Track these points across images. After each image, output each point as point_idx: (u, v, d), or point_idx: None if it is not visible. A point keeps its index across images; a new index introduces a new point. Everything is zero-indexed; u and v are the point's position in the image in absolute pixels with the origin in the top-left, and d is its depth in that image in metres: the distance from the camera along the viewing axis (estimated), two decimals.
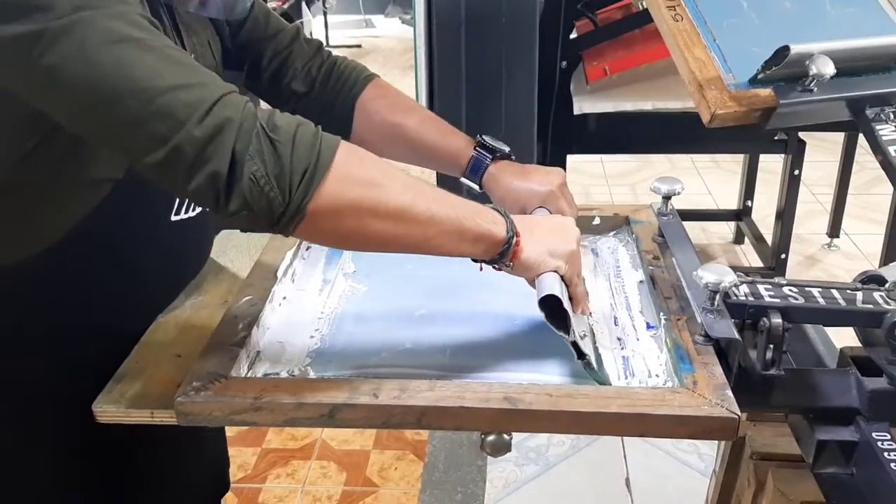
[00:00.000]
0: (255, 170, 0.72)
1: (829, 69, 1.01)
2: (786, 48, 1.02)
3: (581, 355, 0.86)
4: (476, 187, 1.07)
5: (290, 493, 2.13)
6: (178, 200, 0.97)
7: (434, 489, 2.12)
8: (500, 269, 0.89)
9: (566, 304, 0.85)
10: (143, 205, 0.92)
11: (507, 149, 1.07)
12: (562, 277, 0.89)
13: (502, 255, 0.86)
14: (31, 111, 0.77)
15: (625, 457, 2.20)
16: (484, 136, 1.07)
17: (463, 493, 2.10)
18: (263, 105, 1.06)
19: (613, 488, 2.10)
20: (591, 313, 0.99)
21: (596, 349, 0.92)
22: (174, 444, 1.08)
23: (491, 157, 1.06)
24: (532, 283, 0.90)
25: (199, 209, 1.00)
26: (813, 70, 1.01)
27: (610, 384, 0.87)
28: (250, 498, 2.12)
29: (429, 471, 2.18)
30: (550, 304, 0.85)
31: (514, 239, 0.86)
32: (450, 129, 1.09)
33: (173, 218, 0.97)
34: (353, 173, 0.77)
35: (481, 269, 0.90)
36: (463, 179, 1.07)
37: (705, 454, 2.17)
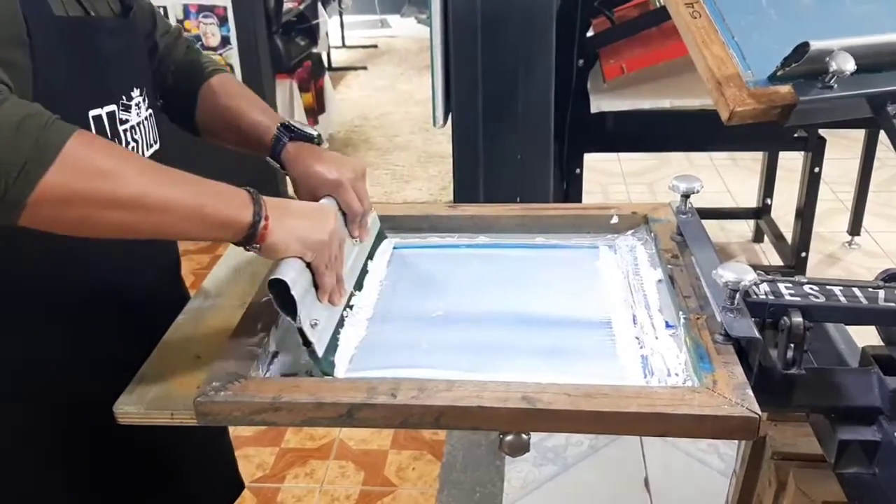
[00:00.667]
0: None
1: (849, 65, 1.00)
2: (805, 44, 1.01)
3: (306, 342, 0.88)
4: (277, 165, 1.08)
5: (308, 492, 2.14)
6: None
7: (452, 489, 2.12)
8: (250, 251, 0.89)
9: (296, 291, 0.87)
10: None
11: (314, 133, 1.09)
12: (308, 265, 0.90)
13: (248, 238, 0.87)
14: None
15: (644, 457, 2.19)
16: (292, 121, 1.09)
17: (481, 493, 2.10)
18: None
19: (632, 488, 2.09)
20: (350, 306, 1.01)
21: (335, 339, 0.95)
22: (184, 448, 1.10)
23: (289, 135, 1.07)
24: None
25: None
26: (833, 66, 1.00)
27: (333, 375, 0.90)
28: (268, 497, 2.13)
29: (446, 471, 2.18)
30: (280, 288, 0.87)
31: (262, 223, 0.86)
32: (264, 108, 1.12)
33: None
34: (82, 163, 0.76)
35: (247, 250, 0.90)
36: (268, 158, 1.09)
37: (725, 454, 2.16)
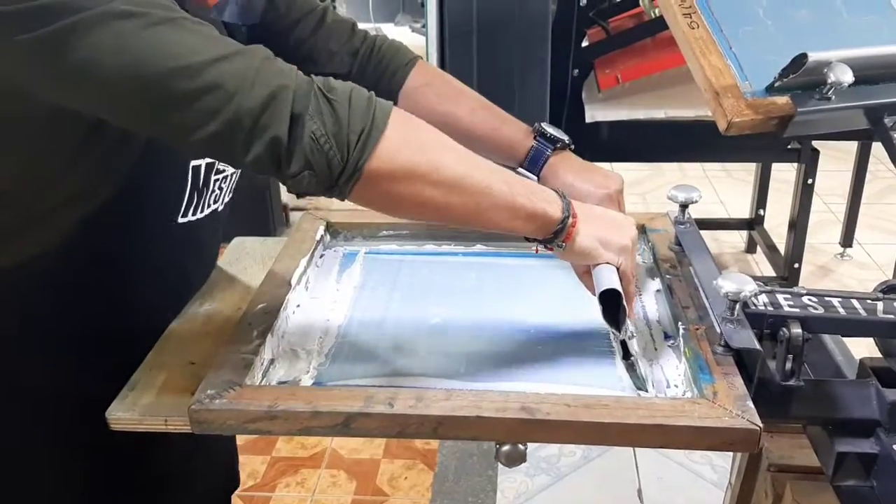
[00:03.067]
0: (314, 128, 0.73)
1: (847, 77, 1.00)
2: (803, 56, 1.01)
3: (626, 355, 0.86)
4: (534, 178, 1.03)
5: (299, 501, 2.13)
6: (185, 202, 0.96)
7: (444, 499, 2.10)
8: (551, 250, 0.87)
9: (625, 301, 0.85)
10: (148, 207, 0.92)
11: (566, 138, 1.04)
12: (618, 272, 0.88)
13: (556, 234, 0.85)
14: (47, 115, 0.77)
15: (637, 468, 2.18)
16: (543, 125, 1.04)
17: (473, 503, 2.09)
18: None
19: (625, 499, 2.09)
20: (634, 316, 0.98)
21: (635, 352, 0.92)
22: (188, 443, 1.08)
23: (552, 147, 1.03)
24: (580, 270, 0.89)
25: (207, 211, 1.00)
26: (831, 78, 1.00)
27: (647, 390, 0.87)
28: None
29: (439, 480, 2.17)
30: (608, 299, 0.84)
31: (570, 220, 0.85)
32: (505, 117, 1.06)
33: (180, 220, 0.96)
34: (409, 137, 0.77)
35: (536, 251, 0.88)
36: (520, 169, 1.04)
37: (718, 465, 2.15)
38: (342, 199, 0.78)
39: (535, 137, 1.03)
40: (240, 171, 1.02)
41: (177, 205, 0.95)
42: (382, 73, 1.06)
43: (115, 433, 0.88)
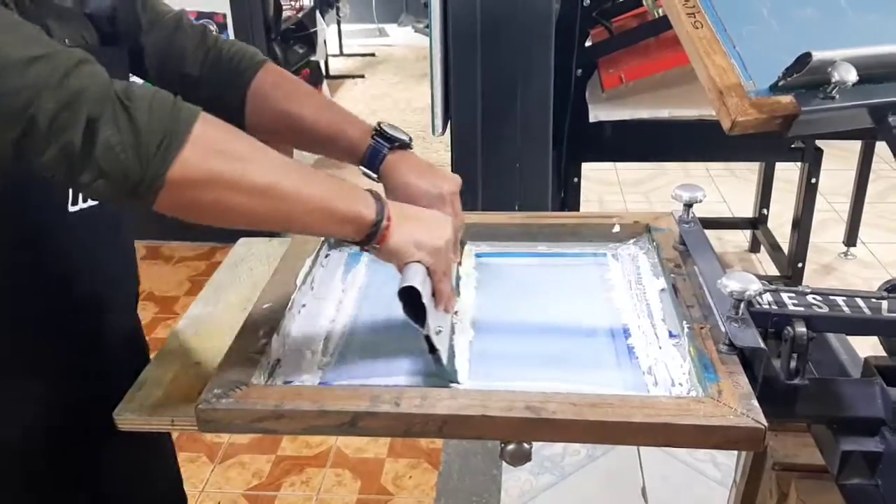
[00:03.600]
0: (109, 135, 0.71)
1: (851, 76, 1.00)
2: (808, 55, 1.01)
3: (432, 349, 0.88)
4: (374, 176, 1.05)
5: (304, 501, 2.13)
6: (71, 191, 0.93)
7: (449, 498, 2.11)
8: (367, 251, 0.89)
9: (425, 298, 0.86)
10: (33, 196, 0.89)
11: (406, 137, 1.05)
12: (427, 271, 0.89)
13: (370, 237, 0.86)
14: None
15: (641, 466, 2.18)
16: (382, 123, 1.05)
17: (478, 502, 2.09)
18: None
19: (629, 498, 2.09)
20: (456, 312, 1.00)
21: (451, 347, 0.93)
22: (129, 463, 1.08)
23: (389, 146, 1.04)
24: (400, 270, 0.90)
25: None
26: (835, 77, 1.00)
27: (458, 382, 0.89)
28: None
29: (443, 479, 2.17)
30: (409, 295, 0.86)
31: (384, 223, 0.86)
32: (350, 118, 1.07)
33: (71, 209, 0.93)
34: (214, 145, 0.76)
35: (364, 249, 0.89)
36: (361, 168, 1.05)
37: (722, 464, 2.15)
38: (145, 208, 0.76)
39: (373, 136, 1.04)
40: None
41: (63, 193, 0.93)
42: (231, 73, 1.06)
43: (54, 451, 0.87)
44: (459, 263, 1.12)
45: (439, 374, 0.90)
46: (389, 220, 0.86)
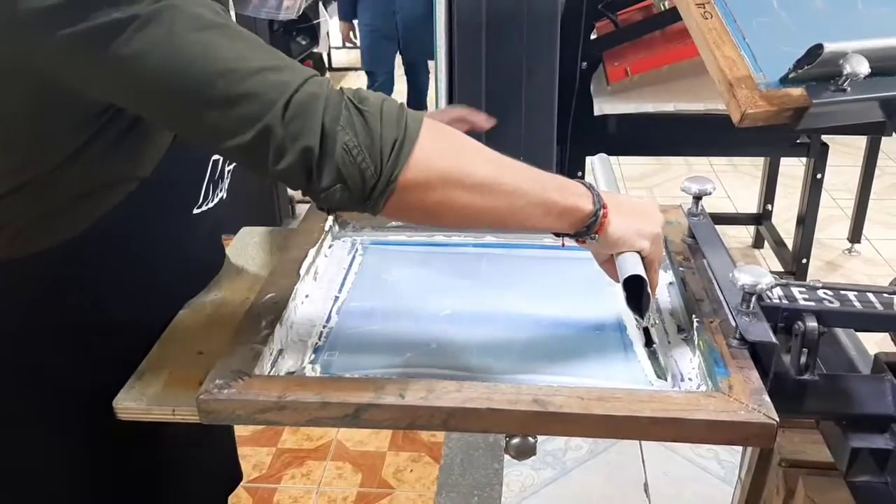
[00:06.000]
0: (347, 140, 0.72)
1: (863, 68, 0.99)
2: (819, 46, 1.00)
3: (649, 342, 0.86)
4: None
5: (305, 493, 2.12)
6: (202, 193, 0.96)
7: (450, 492, 2.10)
8: (583, 243, 0.87)
9: (649, 288, 0.84)
10: (168, 201, 0.92)
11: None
12: (643, 259, 0.88)
13: (589, 227, 0.85)
14: (84, 109, 0.77)
15: (643, 462, 2.17)
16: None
17: (479, 497, 2.09)
18: None
19: (632, 493, 2.08)
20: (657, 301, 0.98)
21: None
22: (188, 436, 1.07)
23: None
24: (601, 258, 0.89)
25: (217, 199, 1.00)
26: (847, 69, 0.99)
27: (665, 379, 0.87)
28: (265, 498, 2.11)
29: (444, 473, 2.16)
30: (633, 286, 0.84)
31: (602, 212, 0.84)
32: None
33: (195, 211, 0.97)
34: (440, 145, 0.77)
35: (563, 244, 0.88)
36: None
37: (725, 460, 2.15)
38: (375, 214, 0.77)
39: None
40: None
41: (195, 196, 0.96)
42: None
43: (122, 427, 0.87)
44: None
45: (654, 369, 0.87)
46: (606, 209, 0.85)
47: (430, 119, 0.78)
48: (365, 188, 0.74)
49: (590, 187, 0.86)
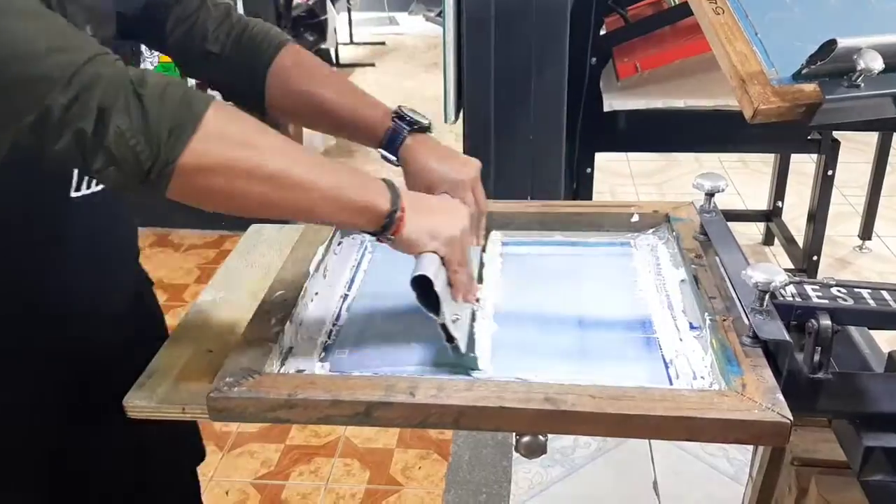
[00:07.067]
0: (120, 123, 0.71)
1: (877, 64, 0.98)
2: (832, 42, 0.99)
3: (449, 338, 0.87)
4: (393, 159, 1.04)
5: (313, 490, 2.12)
6: (75, 177, 0.93)
7: (458, 489, 2.10)
8: (382, 242, 0.88)
9: (437, 286, 0.85)
10: (34, 184, 0.89)
11: (426, 121, 1.04)
12: (442, 260, 0.88)
13: (385, 228, 0.85)
14: None
15: (652, 460, 2.17)
16: (403, 107, 1.04)
17: (487, 494, 2.08)
18: None
19: (641, 492, 2.07)
20: (478, 299, 0.99)
21: (472, 334, 0.92)
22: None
23: (408, 128, 1.03)
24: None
25: (100, 184, 0.97)
26: (861, 65, 0.98)
27: (479, 369, 0.88)
28: (273, 494, 2.11)
29: (453, 470, 2.16)
30: (422, 285, 0.85)
31: (398, 213, 0.85)
32: (369, 100, 1.07)
33: (73, 194, 0.93)
34: (226, 132, 0.76)
35: (378, 240, 0.88)
36: (380, 150, 1.05)
37: (734, 458, 2.14)
38: (158, 197, 0.76)
39: (392, 119, 1.03)
40: None
41: (65, 180, 0.93)
42: (253, 52, 1.06)
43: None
44: (484, 250, 1.11)
45: (459, 362, 0.89)
46: (404, 211, 0.85)
47: (224, 105, 0.77)
48: (140, 171, 0.73)
49: (391, 186, 0.86)
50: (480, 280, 1.05)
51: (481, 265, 1.08)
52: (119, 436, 1.01)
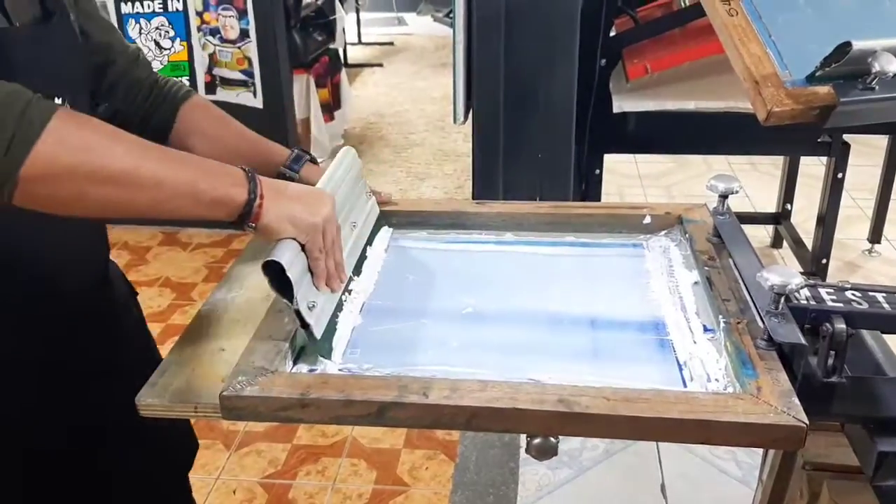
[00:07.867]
0: None
1: (893, 67, 0.97)
2: (847, 44, 0.99)
3: (304, 324, 0.88)
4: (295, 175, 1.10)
5: (320, 490, 2.12)
6: None
7: (465, 490, 2.09)
8: (245, 231, 0.88)
9: (293, 273, 0.85)
10: None
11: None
12: (303, 248, 0.89)
13: (242, 218, 0.86)
14: None
15: (660, 462, 2.16)
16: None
17: (495, 495, 2.08)
18: None
19: (648, 495, 2.07)
20: (350, 290, 1.01)
21: (333, 323, 0.94)
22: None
23: (308, 156, 1.12)
24: None
25: None
26: (876, 67, 0.98)
27: (330, 359, 0.89)
28: (280, 494, 2.11)
29: (460, 471, 2.16)
30: (275, 270, 0.85)
31: (257, 202, 0.85)
32: (267, 142, 1.15)
33: None
34: (69, 139, 0.76)
35: (244, 230, 0.89)
36: (283, 170, 1.11)
37: (743, 462, 2.13)
38: (4, 204, 0.75)
39: (296, 149, 1.12)
40: None
41: None
42: (165, 96, 1.12)
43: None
44: (370, 243, 1.13)
45: (312, 348, 0.90)
46: (262, 199, 0.86)
47: (71, 113, 0.78)
48: None
49: (251, 177, 0.86)
50: (358, 272, 1.06)
51: (363, 258, 1.09)
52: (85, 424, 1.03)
